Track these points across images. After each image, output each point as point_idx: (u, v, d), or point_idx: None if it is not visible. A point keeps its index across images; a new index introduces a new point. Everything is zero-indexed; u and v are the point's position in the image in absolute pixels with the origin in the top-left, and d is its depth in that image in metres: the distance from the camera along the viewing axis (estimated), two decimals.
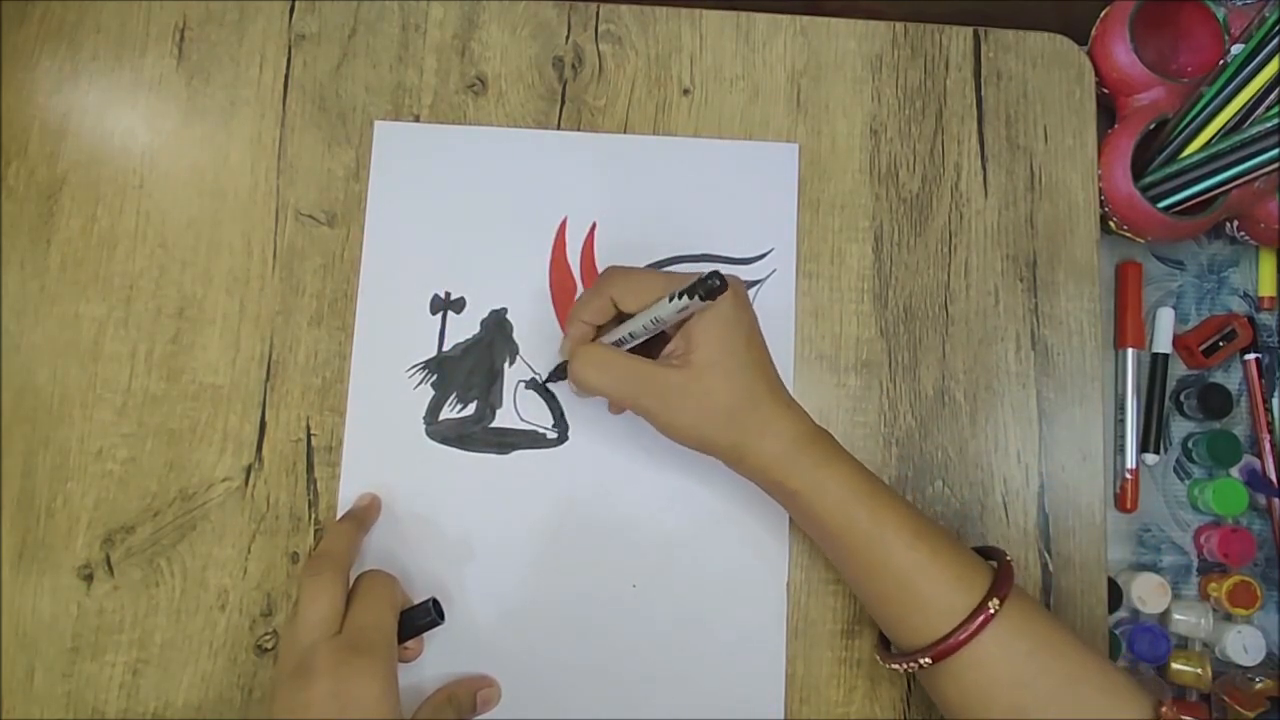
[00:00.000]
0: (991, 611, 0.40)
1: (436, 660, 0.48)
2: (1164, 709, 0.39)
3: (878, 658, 0.45)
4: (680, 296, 0.40)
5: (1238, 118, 0.51)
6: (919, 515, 0.43)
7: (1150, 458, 0.57)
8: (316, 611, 0.42)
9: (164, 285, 0.51)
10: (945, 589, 0.41)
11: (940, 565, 0.41)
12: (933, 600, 0.41)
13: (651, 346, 0.45)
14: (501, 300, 0.52)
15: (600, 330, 0.46)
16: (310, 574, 0.43)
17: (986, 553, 0.45)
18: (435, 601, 0.45)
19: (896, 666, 0.43)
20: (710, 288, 0.39)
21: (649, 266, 0.52)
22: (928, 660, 0.41)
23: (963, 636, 0.40)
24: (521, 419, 0.51)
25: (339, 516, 0.49)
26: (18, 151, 0.52)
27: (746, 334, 0.44)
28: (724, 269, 0.52)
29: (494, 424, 0.51)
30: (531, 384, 0.51)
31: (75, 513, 0.49)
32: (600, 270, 0.52)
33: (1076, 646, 0.41)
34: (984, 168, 0.54)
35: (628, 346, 0.45)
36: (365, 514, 0.48)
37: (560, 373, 0.49)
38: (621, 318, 0.45)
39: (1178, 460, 0.57)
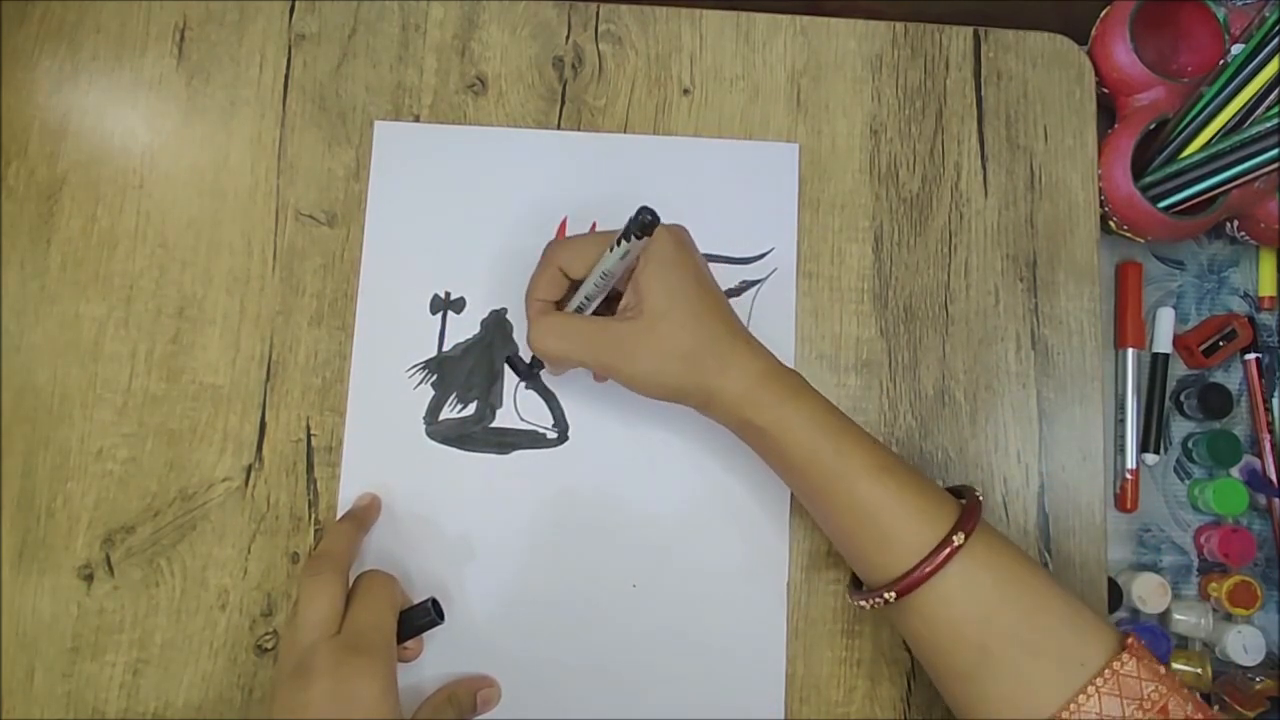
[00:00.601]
0: (956, 545, 0.39)
1: (436, 660, 0.48)
2: (1129, 640, 0.39)
3: (847, 596, 0.45)
4: (619, 243, 0.41)
5: (1238, 118, 0.51)
6: (885, 451, 0.43)
7: (1150, 458, 0.57)
8: (316, 611, 0.42)
9: (164, 285, 0.51)
10: (910, 524, 0.41)
11: (906, 500, 0.41)
12: (898, 535, 0.41)
13: (611, 307, 0.46)
14: (501, 300, 0.52)
15: (560, 305, 0.46)
16: (310, 574, 0.43)
17: (957, 491, 0.44)
18: (435, 601, 0.45)
19: (864, 603, 0.43)
20: (643, 224, 0.39)
21: None
22: (893, 595, 0.40)
23: (928, 570, 0.39)
24: (521, 419, 0.51)
25: (339, 516, 0.49)
26: (18, 151, 0.52)
27: (694, 275, 0.44)
28: (724, 268, 0.52)
29: (494, 424, 0.51)
30: (527, 379, 0.51)
31: (75, 513, 0.49)
32: None
33: (1043, 580, 0.40)
34: (984, 167, 0.54)
35: (589, 311, 0.45)
36: (365, 514, 0.48)
37: (537, 363, 0.49)
38: (575, 287, 0.46)
39: (1178, 460, 0.57)
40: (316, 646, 0.41)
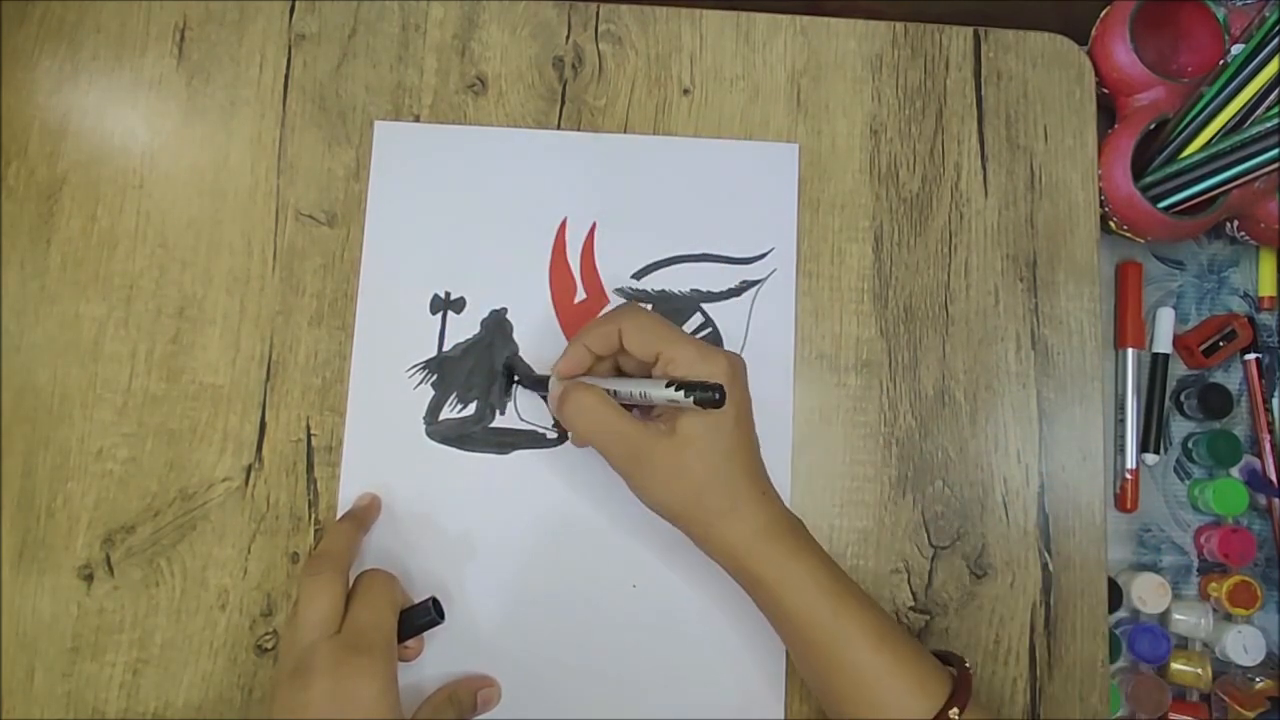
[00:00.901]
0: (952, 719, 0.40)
1: (436, 660, 0.48)
2: None
3: None
4: (677, 389, 0.40)
5: (1238, 118, 0.51)
6: (883, 614, 0.43)
7: (1150, 458, 0.57)
8: (316, 611, 0.42)
9: (164, 285, 0.51)
10: (906, 698, 0.41)
11: (902, 673, 0.41)
12: (892, 707, 0.41)
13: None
14: (501, 300, 0.52)
15: (594, 367, 0.46)
16: (310, 574, 0.43)
17: (945, 657, 0.44)
18: (435, 601, 0.45)
19: None
20: (707, 400, 0.39)
21: (648, 266, 0.52)
22: None
23: None
24: (521, 419, 0.51)
25: (339, 516, 0.49)
26: (18, 151, 0.52)
27: (734, 416, 0.44)
28: (724, 268, 0.52)
29: (494, 424, 0.51)
30: (532, 385, 0.51)
31: (75, 513, 0.49)
32: (599, 273, 0.52)
33: None
34: (984, 167, 0.54)
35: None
36: (365, 514, 0.48)
37: (539, 385, 0.49)
38: (618, 362, 0.45)
39: (1178, 460, 0.57)
40: (316, 646, 0.41)
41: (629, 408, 0.45)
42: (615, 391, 0.44)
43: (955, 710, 0.40)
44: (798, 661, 0.45)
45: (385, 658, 0.41)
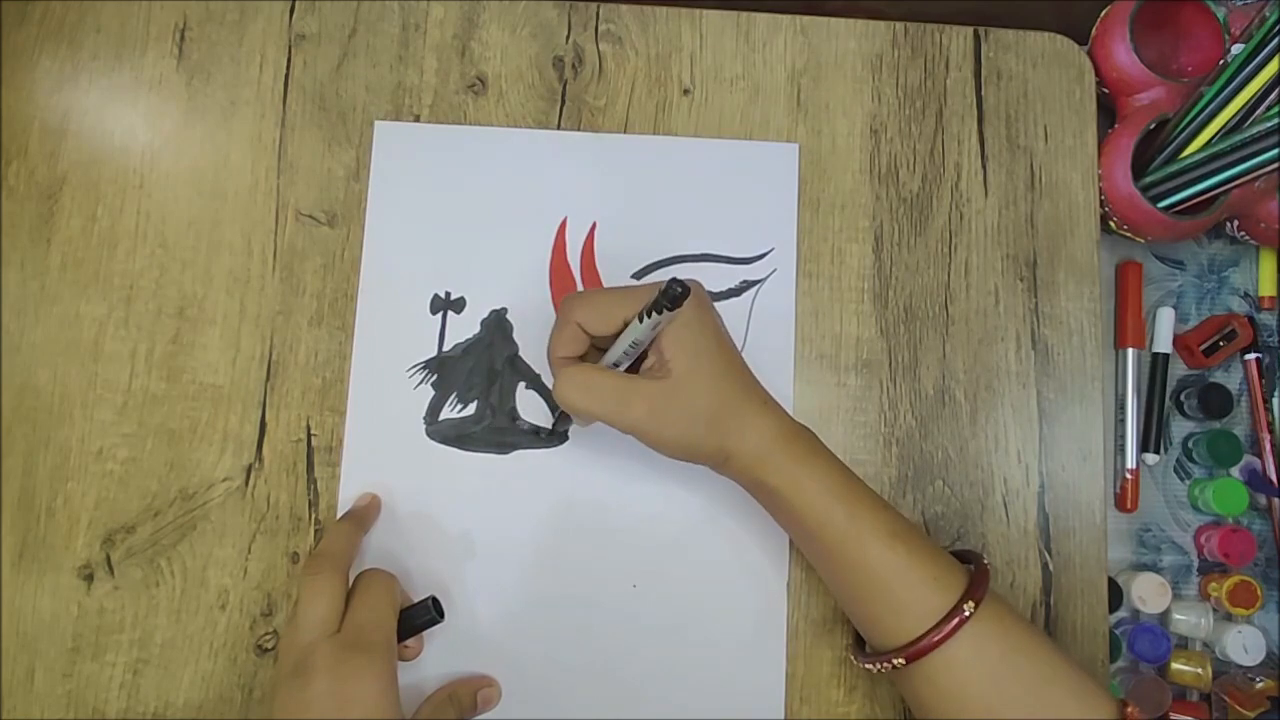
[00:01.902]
0: (966, 614, 0.40)
1: (437, 660, 0.48)
2: (1129, 709, 0.39)
3: (851, 658, 0.45)
4: (649, 314, 0.40)
5: (1238, 117, 0.51)
6: (896, 515, 0.43)
7: (1150, 457, 0.57)
8: (316, 611, 0.42)
9: (164, 285, 0.51)
10: (920, 591, 0.41)
11: (916, 567, 0.41)
12: (908, 601, 0.41)
13: (634, 366, 0.45)
14: (501, 300, 0.52)
15: (585, 357, 0.46)
16: (310, 573, 0.43)
17: (963, 556, 0.45)
18: (435, 600, 0.45)
19: (870, 667, 0.43)
20: (673, 296, 0.39)
21: (649, 266, 0.52)
22: (901, 661, 0.41)
23: (937, 638, 0.40)
24: (521, 419, 0.51)
25: (339, 516, 0.49)
26: (18, 151, 0.52)
27: (715, 336, 0.44)
28: (724, 268, 0.52)
29: (494, 424, 0.51)
30: (532, 385, 0.51)
31: (75, 513, 0.49)
32: (599, 273, 0.52)
33: (1048, 649, 0.41)
34: (984, 167, 0.54)
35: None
36: (365, 514, 0.48)
37: (563, 420, 0.50)
38: (598, 342, 0.45)
39: (1178, 460, 0.57)
40: (316, 645, 0.41)
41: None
42: (612, 366, 0.45)
43: (971, 604, 0.40)
44: (816, 566, 0.45)
45: (385, 657, 0.41)
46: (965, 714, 0.40)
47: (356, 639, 0.41)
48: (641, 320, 0.41)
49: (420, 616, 0.45)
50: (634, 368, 0.45)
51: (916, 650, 0.40)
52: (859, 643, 0.46)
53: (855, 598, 0.43)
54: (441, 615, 0.45)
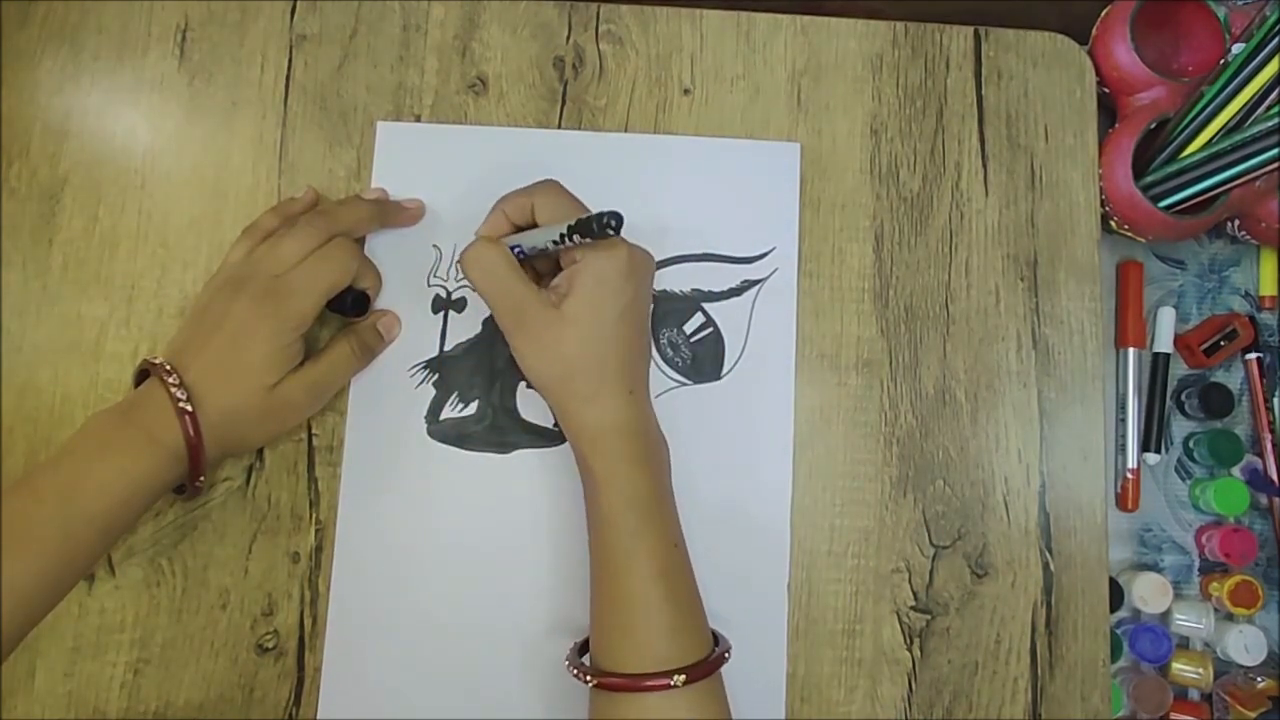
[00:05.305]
0: (670, 684, 0.40)
1: (437, 658, 0.48)
2: None
3: (566, 660, 0.44)
4: (570, 235, 0.41)
5: (1238, 117, 0.51)
6: (681, 558, 0.43)
7: (1151, 457, 0.57)
8: (288, 250, 0.44)
9: (165, 285, 0.51)
10: (650, 636, 0.41)
11: (665, 612, 0.41)
12: (640, 639, 0.41)
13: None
14: None
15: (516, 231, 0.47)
16: (307, 222, 0.45)
17: (717, 638, 0.44)
18: (362, 294, 0.48)
19: (575, 672, 0.43)
20: (594, 228, 0.39)
21: None
22: (594, 682, 0.41)
23: (640, 684, 0.40)
24: (522, 419, 0.51)
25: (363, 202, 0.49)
26: (20, 152, 0.52)
27: (625, 305, 0.44)
28: (725, 268, 0.52)
29: (494, 424, 0.51)
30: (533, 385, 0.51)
31: None
32: None
33: None
34: (984, 167, 0.54)
35: (526, 258, 0.46)
36: (391, 206, 0.50)
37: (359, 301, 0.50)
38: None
39: (1179, 460, 0.57)
40: (260, 275, 0.44)
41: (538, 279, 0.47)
42: (521, 247, 0.46)
43: (680, 677, 0.40)
44: (590, 557, 0.45)
45: (300, 317, 0.44)
46: None
47: (289, 289, 0.44)
48: (562, 237, 0.42)
49: (345, 303, 0.47)
50: (536, 277, 0.47)
51: (609, 684, 0.40)
52: (584, 647, 0.46)
53: (602, 606, 0.43)
54: (363, 310, 0.48)
